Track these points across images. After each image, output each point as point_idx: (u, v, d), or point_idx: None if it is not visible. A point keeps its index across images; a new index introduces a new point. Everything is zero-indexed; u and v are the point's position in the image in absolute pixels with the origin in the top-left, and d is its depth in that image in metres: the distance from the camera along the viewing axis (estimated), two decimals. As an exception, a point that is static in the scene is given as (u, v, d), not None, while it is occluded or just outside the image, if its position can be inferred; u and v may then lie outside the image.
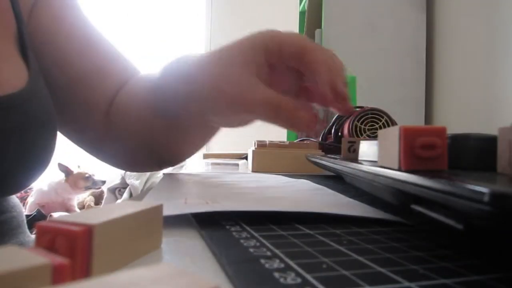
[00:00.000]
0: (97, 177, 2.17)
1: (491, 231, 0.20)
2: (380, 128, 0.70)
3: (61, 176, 2.10)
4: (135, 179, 1.91)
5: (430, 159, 0.24)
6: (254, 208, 0.28)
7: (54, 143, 0.45)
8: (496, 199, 0.15)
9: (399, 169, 0.25)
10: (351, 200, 0.35)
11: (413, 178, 0.22)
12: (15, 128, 0.39)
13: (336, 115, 0.80)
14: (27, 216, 1.25)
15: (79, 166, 2.18)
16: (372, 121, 0.71)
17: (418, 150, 0.24)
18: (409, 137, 0.24)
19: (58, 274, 0.12)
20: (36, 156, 0.42)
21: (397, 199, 0.28)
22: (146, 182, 1.91)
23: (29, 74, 0.42)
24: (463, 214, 0.19)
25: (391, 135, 0.26)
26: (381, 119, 0.71)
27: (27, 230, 0.53)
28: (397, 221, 0.27)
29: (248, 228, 0.25)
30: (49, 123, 0.44)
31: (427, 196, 0.21)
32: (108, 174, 2.25)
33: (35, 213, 1.88)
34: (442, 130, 0.25)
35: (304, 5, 1.76)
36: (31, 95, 0.41)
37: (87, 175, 2.11)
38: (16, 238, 0.49)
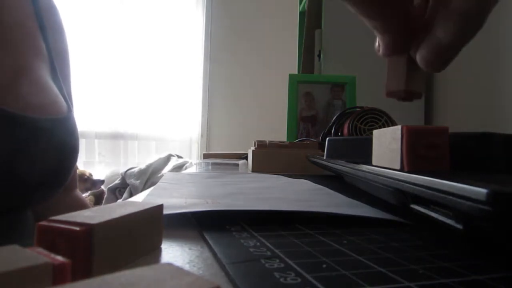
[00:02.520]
0: (95, 176, 2.16)
1: (491, 231, 0.20)
2: (380, 128, 0.70)
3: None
4: (135, 179, 1.91)
5: (433, 159, 0.24)
6: (254, 208, 0.28)
7: (74, 164, 0.50)
8: (495, 199, 0.15)
9: (402, 169, 0.25)
10: (351, 200, 0.35)
11: (412, 178, 0.22)
12: (56, 146, 0.44)
13: (336, 115, 0.80)
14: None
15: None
16: (372, 121, 0.71)
17: (421, 150, 0.24)
18: (412, 137, 0.24)
19: (59, 273, 0.12)
20: (60, 172, 0.47)
21: (397, 199, 0.28)
22: (146, 182, 1.91)
23: (66, 103, 0.48)
24: (463, 214, 0.19)
25: (390, 135, 0.26)
26: (381, 119, 0.71)
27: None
28: (397, 221, 0.27)
29: (248, 228, 0.25)
30: (77, 147, 0.49)
31: (426, 196, 0.21)
32: (105, 174, 2.25)
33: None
34: (444, 130, 0.25)
35: (304, 5, 1.76)
36: (70, 121, 0.48)
37: (85, 177, 2.11)
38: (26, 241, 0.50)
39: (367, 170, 0.30)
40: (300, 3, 1.88)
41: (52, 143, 0.44)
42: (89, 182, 2.12)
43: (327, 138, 0.49)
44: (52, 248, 0.14)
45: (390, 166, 0.26)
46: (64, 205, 0.57)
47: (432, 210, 0.23)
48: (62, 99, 0.48)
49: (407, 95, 0.25)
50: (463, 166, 0.27)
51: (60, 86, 0.49)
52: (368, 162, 0.32)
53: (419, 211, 0.24)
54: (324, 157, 0.48)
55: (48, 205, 0.51)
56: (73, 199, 0.60)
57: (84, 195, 2.13)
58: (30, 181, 0.42)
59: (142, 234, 0.19)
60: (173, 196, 0.35)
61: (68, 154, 0.47)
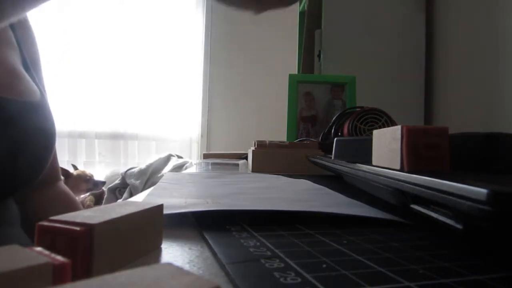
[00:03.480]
0: (96, 177, 2.16)
1: (491, 231, 0.20)
2: (380, 128, 0.70)
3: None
4: (135, 179, 1.91)
5: (433, 159, 0.24)
6: (254, 207, 0.28)
7: (52, 150, 0.50)
8: (495, 199, 0.15)
9: (402, 169, 0.25)
10: (351, 200, 0.35)
11: (412, 178, 0.22)
12: (32, 129, 0.44)
13: (336, 115, 0.80)
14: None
15: (74, 166, 2.18)
16: (372, 121, 0.71)
17: (421, 150, 0.24)
18: (412, 137, 0.24)
19: (59, 273, 0.12)
20: (38, 158, 0.46)
21: (397, 199, 0.28)
22: (146, 182, 1.91)
23: (39, 90, 0.49)
24: (463, 214, 0.19)
25: (390, 135, 0.26)
26: (381, 119, 0.71)
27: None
28: (397, 221, 0.27)
29: (248, 228, 0.25)
30: (53, 133, 0.49)
31: (426, 196, 0.21)
32: (105, 174, 2.25)
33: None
34: (444, 130, 0.25)
35: (304, 5, 1.76)
36: (44, 105, 0.48)
37: (87, 177, 2.11)
38: (11, 229, 0.49)
39: (367, 170, 0.30)
40: (300, 3, 1.88)
41: (27, 126, 0.44)
42: (90, 183, 2.11)
43: (335, 139, 0.49)
44: (52, 248, 0.14)
45: (390, 166, 0.26)
46: (47, 198, 0.57)
47: (432, 210, 0.23)
48: (34, 85, 0.49)
49: None
50: (469, 166, 0.27)
51: (31, 74, 0.50)
52: (368, 162, 0.32)
53: (419, 211, 0.24)
54: (332, 158, 0.48)
55: (32, 197, 0.51)
56: (56, 192, 0.60)
57: (83, 195, 2.14)
58: (12, 167, 0.42)
59: (142, 234, 0.19)
60: (173, 196, 0.35)
61: (43, 138, 0.47)
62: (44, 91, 0.53)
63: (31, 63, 0.52)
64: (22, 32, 0.52)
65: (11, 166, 0.42)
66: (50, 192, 0.58)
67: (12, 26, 0.51)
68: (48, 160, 0.48)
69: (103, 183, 2.13)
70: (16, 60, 0.48)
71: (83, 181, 2.09)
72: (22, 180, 0.45)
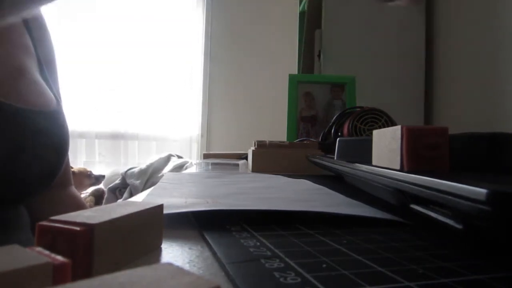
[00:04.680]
0: (95, 172, 2.18)
1: (491, 231, 0.20)
2: (380, 128, 0.70)
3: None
4: (135, 179, 1.91)
5: (433, 159, 0.24)
6: (254, 207, 0.28)
7: (65, 157, 0.51)
8: (495, 199, 0.15)
9: (401, 169, 0.25)
10: (351, 200, 0.35)
11: (412, 178, 0.22)
12: (47, 138, 0.45)
13: (336, 115, 0.80)
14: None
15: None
16: (371, 121, 0.71)
17: (421, 150, 0.24)
18: (412, 137, 0.24)
19: (59, 273, 0.12)
20: (52, 165, 0.47)
21: (397, 199, 0.28)
22: (146, 182, 1.91)
23: (54, 96, 0.50)
24: (463, 214, 0.19)
25: (390, 135, 0.26)
26: (381, 119, 0.71)
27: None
28: (397, 221, 0.27)
29: (248, 228, 0.25)
30: (67, 140, 0.50)
31: (426, 196, 0.21)
32: (105, 174, 2.26)
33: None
34: (444, 130, 0.25)
35: (304, 5, 1.76)
36: (59, 113, 0.49)
37: (88, 173, 2.12)
38: (21, 235, 0.50)
39: (367, 170, 0.30)
40: (300, 3, 1.88)
41: (45, 136, 0.45)
42: (92, 178, 2.13)
43: (338, 139, 0.49)
44: (52, 248, 0.14)
45: (390, 166, 0.26)
46: (59, 201, 0.57)
47: (432, 210, 0.23)
48: (51, 93, 0.49)
49: None
50: (469, 166, 0.26)
51: (48, 81, 0.50)
52: (369, 162, 0.32)
53: (419, 211, 0.24)
54: (335, 158, 0.48)
55: (43, 201, 0.52)
56: (67, 196, 0.60)
57: (83, 195, 2.14)
58: (27, 174, 0.43)
59: (142, 234, 0.19)
60: (173, 196, 0.35)
61: (59, 147, 0.48)
62: (59, 95, 0.53)
63: (46, 65, 0.52)
64: (38, 33, 0.53)
65: (25, 173, 0.43)
66: (62, 196, 0.59)
67: (28, 27, 0.51)
68: (61, 168, 0.49)
69: (103, 176, 2.15)
70: (33, 66, 0.49)
71: (86, 177, 2.10)
72: (34, 187, 0.46)
